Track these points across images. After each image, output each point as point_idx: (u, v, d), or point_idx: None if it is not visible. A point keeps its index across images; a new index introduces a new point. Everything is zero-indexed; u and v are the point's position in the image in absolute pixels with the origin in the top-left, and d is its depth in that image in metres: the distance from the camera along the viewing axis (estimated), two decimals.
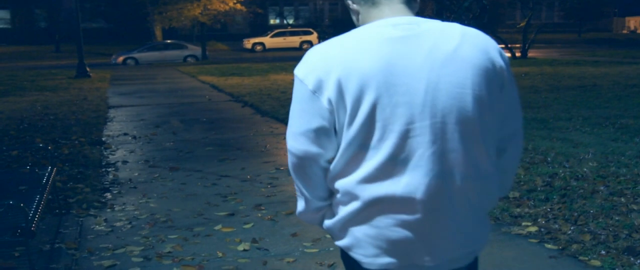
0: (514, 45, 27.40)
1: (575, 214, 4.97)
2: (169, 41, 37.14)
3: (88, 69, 22.42)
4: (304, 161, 1.89)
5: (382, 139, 1.77)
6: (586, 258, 4.12)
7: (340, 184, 1.87)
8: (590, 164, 6.56)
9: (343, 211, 1.91)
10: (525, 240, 4.51)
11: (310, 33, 45.33)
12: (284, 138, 8.70)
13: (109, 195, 5.99)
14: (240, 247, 4.47)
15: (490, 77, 1.81)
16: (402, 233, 1.84)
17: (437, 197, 1.80)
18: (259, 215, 5.23)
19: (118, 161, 7.54)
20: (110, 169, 7.10)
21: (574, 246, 4.30)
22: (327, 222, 2.00)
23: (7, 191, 4.67)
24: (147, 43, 37.63)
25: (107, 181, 6.53)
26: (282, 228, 4.86)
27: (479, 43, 1.83)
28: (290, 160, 1.93)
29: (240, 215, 5.26)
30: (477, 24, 12.59)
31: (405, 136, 1.77)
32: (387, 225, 1.85)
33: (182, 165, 7.20)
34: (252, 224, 4.98)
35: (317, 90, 1.79)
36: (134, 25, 50.68)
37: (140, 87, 18.01)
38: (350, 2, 1.97)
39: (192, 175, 6.73)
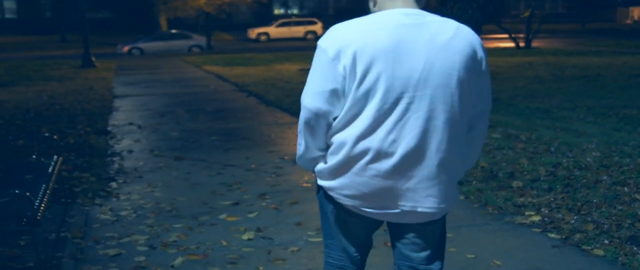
0: (517, 35, 27.24)
1: (579, 203, 4.99)
2: (174, 31, 37.06)
3: (93, 59, 22.41)
4: (316, 116, 2.29)
5: (379, 103, 2.20)
6: (589, 247, 4.14)
7: (337, 138, 2.30)
8: (594, 153, 6.56)
9: (333, 159, 2.33)
10: (528, 229, 4.53)
11: (314, 23, 45.18)
12: (289, 127, 8.73)
13: (114, 184, 6.02)
14: (245, 236, 4.50)
15: (472, 65, 2.27)
16: (380, 182, 2.28)
17: (414, 153, 2.24)
18: (264, 204, 5.25)
19: (123, 150, 7.57)
20: (115, 159, 7.13)
21: (577, 235, 4.32)
22: (319, 167, 2.42)
23: (13, 180, 4.70)
24: (152, 33, 37.56)
25: (113, 170, 6.56)
26: (287, 217, 4.88)
27: (467, 37, 2.29)
28: (303, 114, 2.32)
29: (245, 204, 5.28)
30: (481, 13, 12.56)
31: (398, 102, 2.20)
32: (368, 175, 2.28)
33: (187, 155, 7.23)
34: (256, 213, 5.01)
35: (335, 58, 2.20)
36: (139, 15, 50.63)
37: (145, 76, 18.02)
38: None
39: (197, 164, 6.76)
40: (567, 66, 17.46)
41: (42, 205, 4.01)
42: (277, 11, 59.01)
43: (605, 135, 7.51)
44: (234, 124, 9.26)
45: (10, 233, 3.92)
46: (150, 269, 3.98)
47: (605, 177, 5.67)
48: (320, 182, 2.44)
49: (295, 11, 58.07)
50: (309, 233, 4.53)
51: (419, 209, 2.34)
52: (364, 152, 2.26)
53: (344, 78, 2.21)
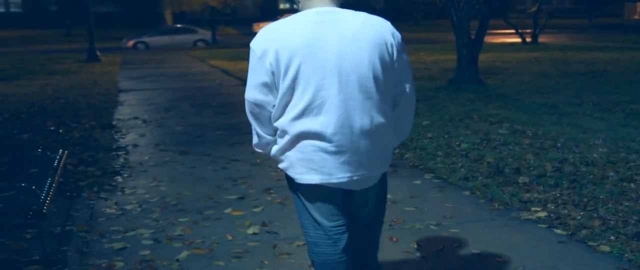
0: (524, 31, 27.16)
1: (585, 199, 4.97)
2: (179, 25, 37.08)
3: (98, 53, 22.45)
4: (256, 106, 2.73)
5: (304, 90, 2.59)
6: (595, 243, 4.12)
7: (278, 124, 2.70)
8: (600, 149, 6.54)
9: (280, 142, 2.75)
10: (534, 225, 4.51)
11: None
12: None
13: (119, 178, 6.02)
14: (250, 231, 4.49)
15: (382, 50, 2.63)
16: (321, 156, 2.66)
17: (342, 131, 2.62)
18: (269, 198, 5.25)
19: (128, 145, 7.58)
20: (120, 153, 7.13)
21: (584, 231, 4.31)
22: (272, 151, 2.84)
23: (19, 174, 4.70)
24: (157, 27, 37.59)
25: (118, 164, 6.56)
26: (292, 212, 4.87)
27: (376, 28, 2.65)
28: (246, 106, 2.78)
29: (250, 198, 5.28)
30: (488, 8, 12.50)
31: (319, 89, 2.58)
32: (310, 151, 2.67)
33: (192, 149, 7.23)
34: (261, 208, 5.00)
35: (262, 56, 2.62)
36: (144, 9, 50.65)
37: (150, 71, 18.04)
38: None
39: (202, 159, 6.76)
40: (574, 62, 17.41)
41: (48, 198, 4.01)
42: (283, 6, 58.93)
43: (612, 131, 7.48)
44: (239, 119, 9.26)
45: (16, 226, 3.93)
46: (155, 263, 3.97)
47: (611, 173, 5.65)
48: (281, 167, 2.83)
49: (296, 8, 57.95)
50: None
51: (356, 177, 2.72)
52: (302, 133, 2.64)
53: (272, 72, 2.61)
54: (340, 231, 2.85)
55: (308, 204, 2.85)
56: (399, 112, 2.82)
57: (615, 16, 56.96)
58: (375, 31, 2.64)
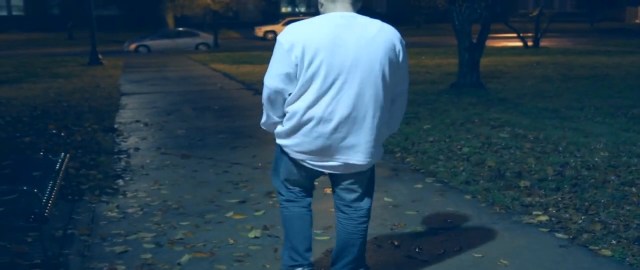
0: (526, 35, 27.12)
1: (586, 203, 4.97)
2: (180, 29, 37.08)
3: (100, 56, 22.45)
4: (275, 93, 3.12)
5: (322, 83, 3.01)
6: (597, 247, 4.12)
7: (291, 108, 3.11)
8: (602, 153, 6.54)
9: (287, 124, 3.16)
10: (535, 229, 4.51)
11: None
12: None
13: (121, 181, 6.03)
14: (252, 234, 4.49)
15: (391, 55, 3.09)
16: (322, 140, 3.10)
17: (347, 120, 3.06)
18: (270, 202, 5.25)
19: (130, 148, 7.58)
20: (122, 156, 7.14)
21: (585, 236, 4.31)
22: (278, 130, 3.26)
23: (21, 177, 4.70)
24: (159, 31, 37.58)
25: (120, 168, 6.57)
26: None
27: (388, 35, 3.10)
28: (265, 92, 3.15)
29: (252, 202, 5.28)
30: (490, 12, 12.50)
31: (335, 82, 3.01)
32: (313, 136, 3.10)
33: (194, 153, 7.24)
34: (263, 211, 5.01)
35: (289, 50, 3.01)
36: (146, 12, 50.66)
37: (152, 74, 18.05)
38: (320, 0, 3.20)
39: (204, 162, 6.76)
40: (576, 66, 17.41)
41: (50, 202, 4.01)
42: (284, 9, 58.93)
43: (614, 135, 7.48)
44: (241, 122, 9.26)
45: (18, 229, 3.94)
46: (156, 267, 3.98)
47: (613, 177, 5.65)
48: (278, 141, 3.30)
49: (302, 9, 57.99)
50: (316, 231, 4.51)
51: (351, 162, 3.16)
52: (310, 119, 3.07)
53: (296, 65, 3.01)
54: (304, 195, 3.49)
55: (289, 171, 3.37)
56: (394, 109, 3.29)
57: (617, 20, 56.91)
58: (387, 37, 3.09)
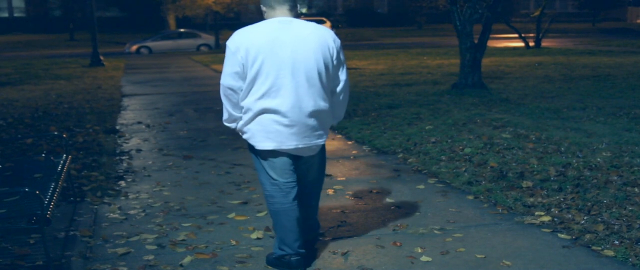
0: (527, 35, 27.10)
1: (589, 203, 4.96)
2: (182, 30, 37.07)
3: (102, 58, 22.46)
4: (228, 89, 3.68)
5: (265, 78, 3.57)
6: (599, 248, 4.11)
7: (245, 103, 3.66)
8: (604, 154, 6.53)
9: (245, 117, 3.72)
10: (538, 229, 4.50)
11: (323, 22, 45.08)
12: None
13: (123, 183, 6.03)
14: (254, 235, 4.49)
15: (325, 52, 3.64)
16: (275, 128, 3.64)
17: (293, 110, 3.60)
18: None
19: (132, 149, 7.58)
20: (124, 157, 7.14)
21: (587, 236, 4.30)
22: (239, 125, 3.80)
23: (23, 178, 4.70)
24: (160, 32, 37.61)
25: (121, 169, 6.57)
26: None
27: (322, 34, 3.66)
28: (221, 90, 3.72)
29: (254, 203, 5.28)
30: (491, 12, 12.48)
31: (277, 77, 3.57)
32: (267, 124, 3.65)
33: (196, 154, 7.23)
34: (265, 212, 5.00)
35: (235, 52, 3.59)
36: (147, 14, 50.71)
37: (154, 75, 18.05)
38: (262, 6, 3.75)
39: (206, 163, 6.76)
40: (578, 66, 17.40)
41: (52, 203, 4.01)
42: None
43: (616, 136, 7.46)
44: None
45: (20, 231, 3.92)
46: (159, 268, 3.97)
47: (615, 178, 5.64)
48: (243, 136, 3.80)
49: (304, 10, 58.00)
50: (318, 232, 4.51)
51: (301, 145, 3.71)
52: (262, 110, 3.62)
53: (242, 64, 3.58)
54: (290, 186, 3.82)
55: (265, 165, 3.82)
56: (335, 99, 3.85)
57: (618, 20, 56.92)
58: (320, 37, 3.65)
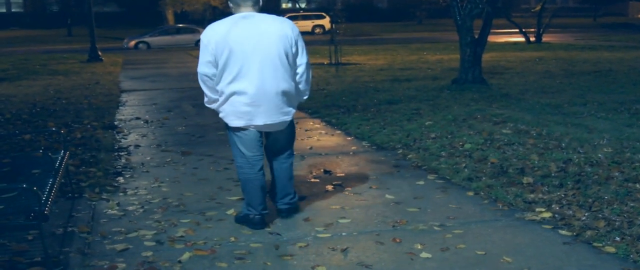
0: (528, 30, 27.05)
1: (590, 200, 4.94)
2: (180, 25, 37.10)
3: (100, 53, 22.45)
4: (205, 76, 4.30)
5: (233, 65, 4.18)
6: (600, 244, 4.09)
7: (219, 87, 4.28)
8: (605, 149, 6.50)
9: (220, 100, 4.33)
10: (539, 226, 4.48)
11: (322, 17, 45.02)
12: (296, 122, 8.68)
13: (121, 179, 6.00)
14: (252, 232, 4.46)
15: (284, 40, 4.24)
16: (245, 108, 4.24)
17: (258, 91, 4.20)
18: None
19: (130, 145, 7.56)
20: (122, 153, 7.12)
21: (588, 232, 4.27)
22: (216, 106, 4.41)
23: (21, 174, 4.68)
24: (158, 27, 37.59)
25: (120, 165, 6.54)
26: (295, 213, 4.84)
27: (281, 25, 4.27)
28: (199, 77, 4.33)
29: None
30: (492, 7, 12.44)
31: (243, 64, 4.17)
32: (238, 105, 4.25)
33: (194, 150, 7.21)
34: None
35: (206, 44, 4.22)
36: (145, 9, 50.67)
37: (152, 71, 18.03)
38: (230, 3, 4.36)
39: (204, 159, 6.74)
40: (578, 61, 17.38)
41: (50, 199, 3.99)
42: (285, 5, 58.91)
43: (617, 131, 7.44)
44: None
45: (18, 227, 3.91)
46: (157, 264, 3.95)
47: (616, 174, 5.61)
48: (219, 115, 4.41)
49: (303, 5, 57.92)
50: (317, 228, 4.49)
51: (269, 122, 4.31)
52: (232, 93, 4.23)
53: (214, 55, 4.19)
54: (256, 159, 4.44)
55: (236, 140, 4.42)
56: (300, 79, 4.44)
57: (619, 15, 56.86)
58: (280, 27, 4.26)
